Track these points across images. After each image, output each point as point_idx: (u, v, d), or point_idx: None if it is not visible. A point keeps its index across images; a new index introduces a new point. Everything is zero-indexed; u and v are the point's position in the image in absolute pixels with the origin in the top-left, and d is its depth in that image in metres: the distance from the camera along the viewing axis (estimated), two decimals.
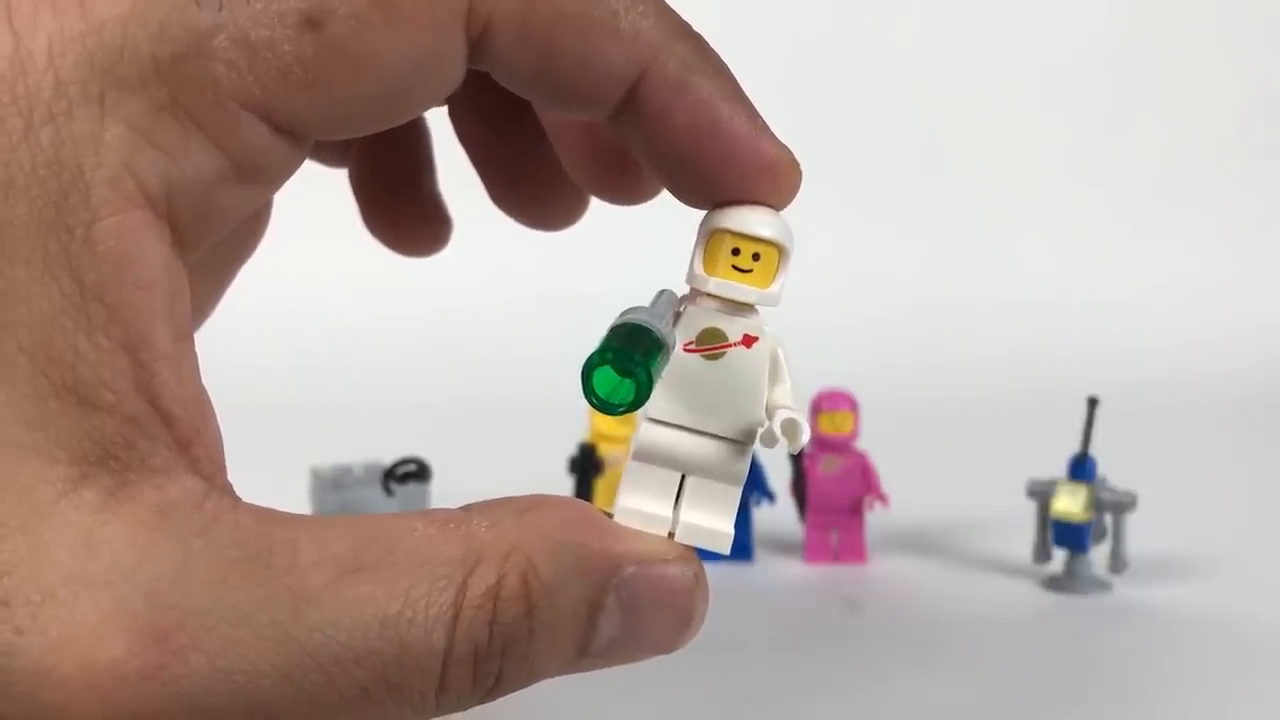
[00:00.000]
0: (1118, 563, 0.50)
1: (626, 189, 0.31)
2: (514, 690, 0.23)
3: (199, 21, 0.21)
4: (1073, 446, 0.51)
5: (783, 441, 0.25)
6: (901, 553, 0.56)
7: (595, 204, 0.34)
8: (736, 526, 0.58)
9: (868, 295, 1.08)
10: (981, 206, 1.17)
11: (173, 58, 0.21)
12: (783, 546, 0.56)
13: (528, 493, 0.24)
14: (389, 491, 0.49)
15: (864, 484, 0.55)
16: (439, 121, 0.33)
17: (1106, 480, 0.51)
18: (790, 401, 0.25)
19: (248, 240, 0.32)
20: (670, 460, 0.25)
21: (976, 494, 0.63)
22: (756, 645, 0.46)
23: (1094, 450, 0.51)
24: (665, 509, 0.25)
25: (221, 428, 0.23)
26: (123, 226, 0.20)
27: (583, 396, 0.22)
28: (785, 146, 0.25)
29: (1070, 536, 0.51)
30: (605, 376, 0.22)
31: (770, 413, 0.25)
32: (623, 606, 0.23)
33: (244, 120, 0.22)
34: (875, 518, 0.55)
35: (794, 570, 0.54)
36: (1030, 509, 0.52)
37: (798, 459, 0.55)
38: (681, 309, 0.25)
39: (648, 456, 0.25)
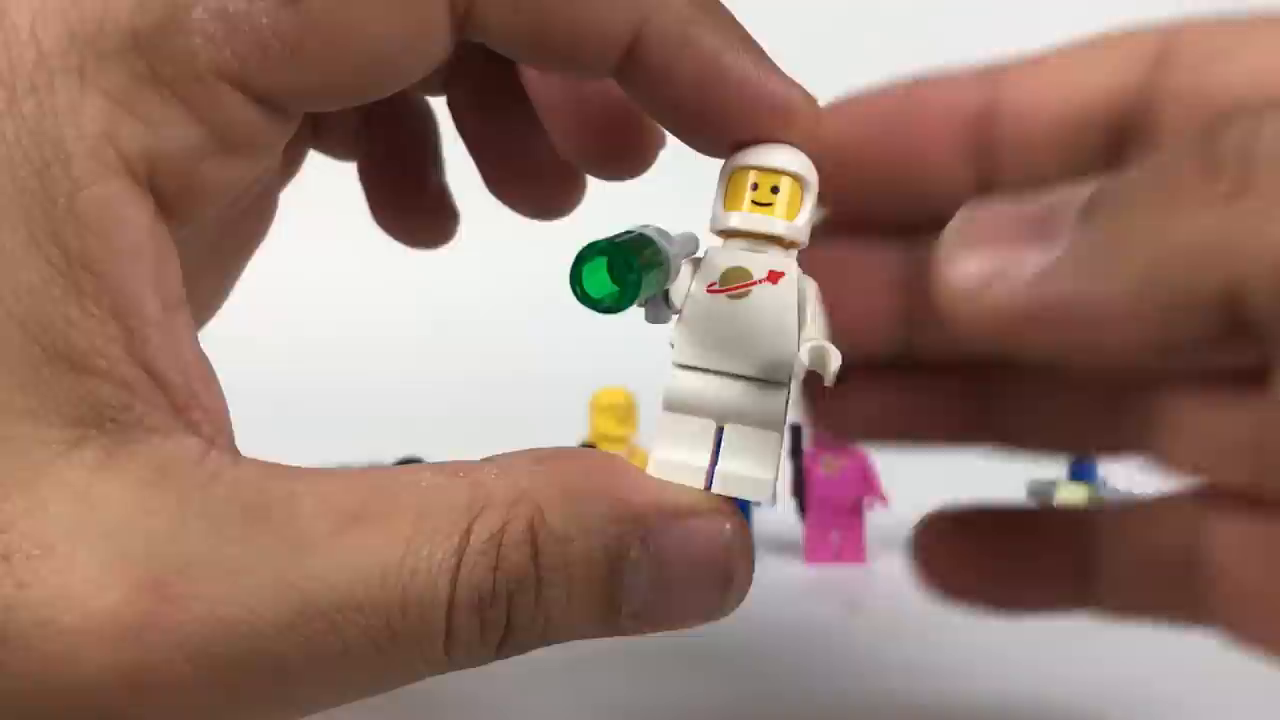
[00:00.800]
0: None
1: (620, 162, 0.30)
2: (533, 645, 0.22)
3: None
4: None
5: (814, 369, 0.23)
6: (901, 553, 0.56)
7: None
8: None
9: None
10: None
11: (151, 29, 0.21)
12: (783, 546, 0.56)
13: None
14: None
15: (864, 484, 0.55)
16: (446, 121, 0.33)
17: (1107, 480, 0.51)
18: (819, 334, 0.24)
19: (253, 231, 0.32)
20: (702, 406, 0.24)
21: (976, 494, 0.63)
22: (756, 645, 0.45)
23: None
24: (701, 459, 0.24)
25: None
26: (105, 196, 0.21)
27: (569, 287, 0.22)
28: (797, 84, 0.24)
29: None
30: (597, 271, 0.22)
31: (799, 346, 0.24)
32: (652, 562, 0.22)
33: (223, 92, 0.22)
34: (875, 518, 0.55)
35: (794, 570, 0.54)
36: None
37: (798, 459, 0.55)
38: (703, 254, 0.25)
39: (679, 405, 0.24)
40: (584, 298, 0.22)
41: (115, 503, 0.20)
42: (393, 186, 0.34)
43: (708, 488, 0.24)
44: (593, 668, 0.44)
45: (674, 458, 0.24)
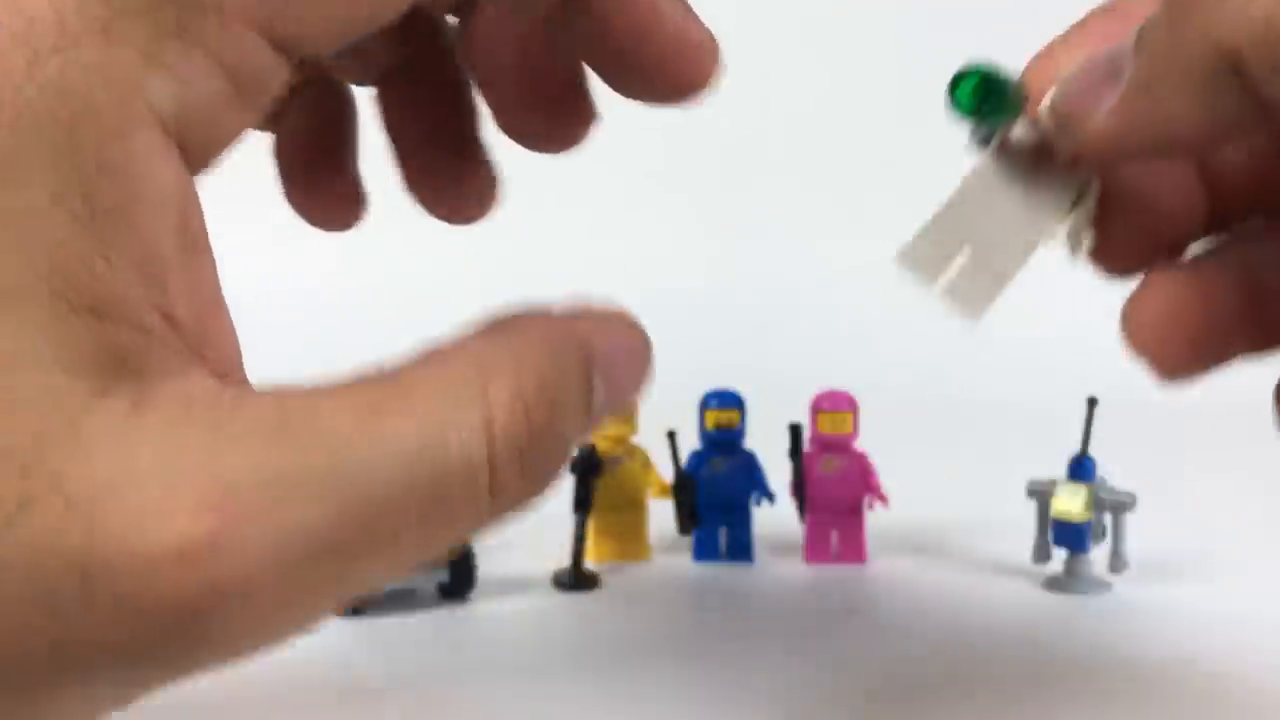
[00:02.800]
0: (1118, 562, 0.50)
1: (557, 133, 0.32)
2: (555, 478, 0.24)
3: None
4: (1073, 446, 0.51)
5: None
6: (901, 553, 0.56)
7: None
8: (736, 526, 0.58)
9: (868, 294, 1.08)
10: None
11: None
12: (782, 546, 0.56)
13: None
14: None
15: (864, 484, 0.55)
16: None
17: (1106, 480, 0.51)
18: None
19: None
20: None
21: (976, 494, 0.63)
22: (756, 645, 0.46)
23: (1093, 450, 0.51)
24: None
25: None
26: (132, 149, 0.21)
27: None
28: (709, 31, 0.27)
29: (1070, 536, 0.51)
30: (968, 86, 0.26)
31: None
32: (604, 373, 0.25)
33: (246, 40, 0.22)
34: (875, 517, 0.55)
35: (794, 570, 0.54)
36: (1030, 509, 0.52)
37: (797, 459, 0.55)
38: None
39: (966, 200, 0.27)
40: (954, 105, 0.26)
41: (152, 445, 0.20)
42: (309, 166, 0.35)
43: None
44: (591, 669, 0.44)
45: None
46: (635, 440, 0.56)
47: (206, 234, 0.23)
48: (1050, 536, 0.52)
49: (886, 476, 0.55)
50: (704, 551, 0.55)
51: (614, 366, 0.26)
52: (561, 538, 0.52)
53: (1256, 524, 0.61)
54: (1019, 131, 0.27)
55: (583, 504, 0.52)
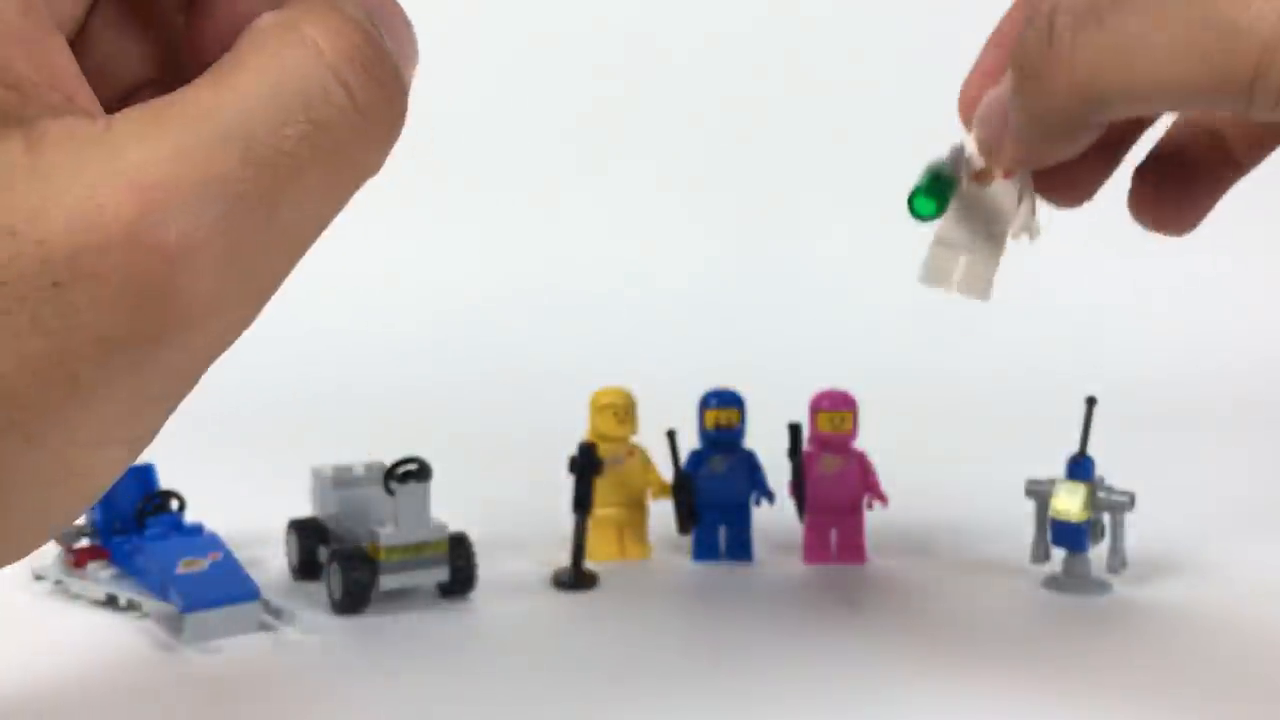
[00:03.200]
0: (1116, 562, 0.50)
1: None
2: (405, 97, 0.25)
3: None
4: (1071, 446, 0.51)
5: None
6: (901, 553, 0.56)
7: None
8: (735, 526, 0.58)
9: (868, 294, 1.08)
10: None
11: None
12: (782, 546, 0.56)
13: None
14: (390, 491, 0.49)
15: (863, 484, 0.55)
16: None
17: (1105, 480, 0.51)
18: None
19: None
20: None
21: (976, 494, 0.63)
22: (756, 645, 0.46)
23: (1092, 450, 0.51)
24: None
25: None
26: None
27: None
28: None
29: (1069, 536, 0.51)
30: (921, 200, 0.34)
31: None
32: (380, 21, 0.26)
33: None
34: (874, 517, 0.55)
35: (793, 570, 0.54)
36: (1029, 509, 0.52)
37: (797, 459, 0.55)
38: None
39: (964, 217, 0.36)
40: (918, 217, 0.34)
41: (58, 166, 0.22)
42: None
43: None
44: (591, 668, 0.44)
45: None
46: (635, 440, 0.56)
47: (54, 25, 0.24)
48: (1049, 536, 0.52)
49: (886, 476, 0.55)
50: (704, 551, 0.55)
51: (384, 15, 0.27)
52: (561, 538, 0.52)
53: (1255, 524, 0.61)
54: (966, 165, 0.35)
55: (583, 504, 0.52)
